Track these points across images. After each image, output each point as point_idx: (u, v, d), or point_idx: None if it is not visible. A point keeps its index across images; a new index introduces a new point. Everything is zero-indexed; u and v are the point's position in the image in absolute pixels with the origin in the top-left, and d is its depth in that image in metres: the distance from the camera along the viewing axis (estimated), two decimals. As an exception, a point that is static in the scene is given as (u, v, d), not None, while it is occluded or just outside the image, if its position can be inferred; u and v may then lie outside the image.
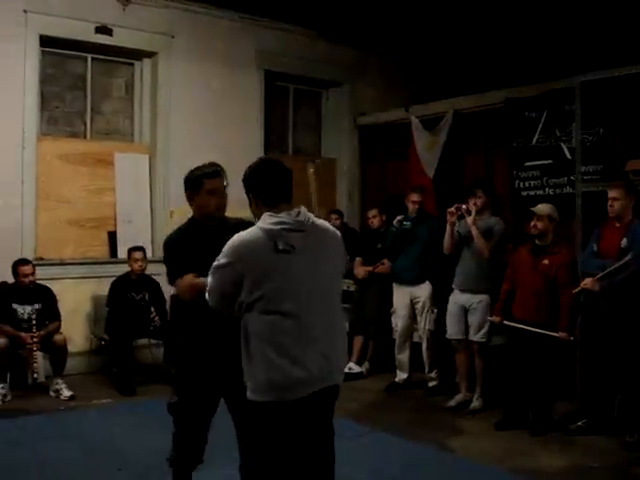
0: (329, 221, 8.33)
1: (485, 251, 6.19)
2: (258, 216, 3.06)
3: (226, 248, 2.98)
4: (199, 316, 3.48)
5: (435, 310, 6.99)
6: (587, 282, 5.45)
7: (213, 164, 3.91)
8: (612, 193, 5.49)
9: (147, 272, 7.41)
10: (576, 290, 5.54)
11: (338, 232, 3.26)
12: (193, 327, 3.70)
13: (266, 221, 2.98)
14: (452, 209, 6.29)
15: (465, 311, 6.39)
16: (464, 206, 6.24)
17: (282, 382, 2.92)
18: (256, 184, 3.10)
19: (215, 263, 3.00)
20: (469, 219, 6.21)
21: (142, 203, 8.25)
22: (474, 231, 6.18)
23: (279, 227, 2.95)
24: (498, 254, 6.26)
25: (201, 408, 3.75)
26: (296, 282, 2.96)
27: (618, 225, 5.48)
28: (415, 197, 7.00)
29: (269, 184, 3.08)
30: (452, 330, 6.47)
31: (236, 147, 8.06)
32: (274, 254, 2.92)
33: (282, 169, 3.15)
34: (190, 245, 3.66)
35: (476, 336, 6.33)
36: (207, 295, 3.07)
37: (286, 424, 2.96)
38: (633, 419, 5.43)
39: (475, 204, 6.25)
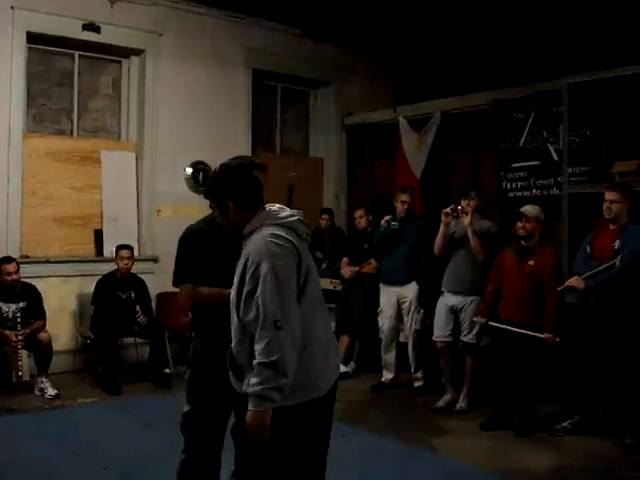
0: (320, 221, 8.49)
1: (480, 253, 6.19)
2: (236, 222, 2.98)
3: (256, 255, 2.81)
4: (222, 316, 3.18)
5: (421, 310, 7.00)
6: (572, 280, 5.47)
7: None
8: (610, 195, 5.45)
9: (133, 270, 7.39)
10: (561, 287, 5.57)
11: None
12: (215, 327, 3.43)
13: (277, 217, 2.95)
14: (448, 210, 6.24)
15: (454, 313, 6.40)
16: (460, 207, 6.23)
17: (322, 373, 2.94)
18: (233, 189, 3.00)
19: (257, 276, 2.78)
20: (466, 220, 6.20)
21: (129, 201, 8.21)
22: (470, 232, 6.17)
23: (294, 219, 2.97)
24: (490, 256, 6.24)
25: (216, 417, 3.57)
26: (313, 268, 3.00)
27: (613, 227, 5.47)
28: (404, 197, 6.98)
29: (248, 187, 3.02)
30: (439, 332, 6.47)
31: (223, 145, 8.05)
32: (301, 241, 2.94)
33: (250, 170, 3.10)
34: (211, 240, 3.48)
35: (467, 337, 6.33)
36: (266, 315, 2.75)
37: (318, 419, 2.96)
38: (634, 420, 5.43)
39: (468, 205, 6.24)
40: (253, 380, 2.74)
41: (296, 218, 2.98)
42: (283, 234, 2.86)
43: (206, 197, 3.14)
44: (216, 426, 3.61)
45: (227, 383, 3.08)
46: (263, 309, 2.75)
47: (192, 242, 3.65)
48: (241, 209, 2.98)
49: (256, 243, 2.86)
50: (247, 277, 2.84)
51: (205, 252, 3.54)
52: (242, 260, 2.90)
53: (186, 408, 3.66)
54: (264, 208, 3.01)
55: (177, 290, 3.74)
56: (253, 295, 2.81)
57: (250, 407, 2.76)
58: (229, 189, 3.00)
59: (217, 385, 3.40)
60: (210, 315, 3.54)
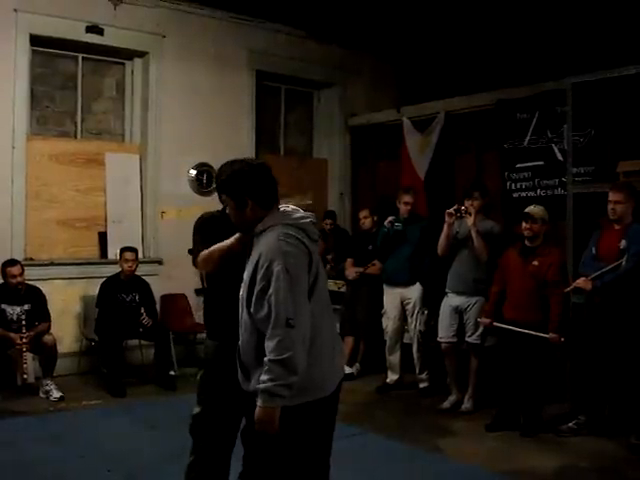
0: (324, 226, 8.48)
1: (484, 253, 6.18)
2: (251, 220, 3.00)
3: (269, 253, 2.84)
4: (236, 316, 3.14)
5: (426, 311, 6.98)
6: (579, 281, 5.46)
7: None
8: (614, 196, 5.44)
9: (137, 272, 7.38)
10: (568, 289, 5.56)
11: None
12: (229, 328, 3.34)
13: (290, 217, 2.99)
14: (451, 210, 6.24)
15: (459, 313, 6.39)
16: (463, 207, 6.22)
17: (328, 374, 2.96)
18: (254, 187, 3.01)
19: (270, 273, 2.81)
20: (469, 220, 6.19)
21: (132, 203, 8.21)
22: (474, 233, 6.16)
23: (306, 220, 3.00)
24: (494, 256, 6.23)
25: (227, 420, 3.53)
26: (322, 269, 3.03)
27: (617, 227, 5.46)
28: (407, 198, 6.97)
29: (268, 187, 3.05)
30: (444, 333, 6.45)
31: (227, 147, 8.04)
32: (312, 242, 2.97)
33: (270, 170, 3.12)
34: (220, 227, 3.46)
35: (471, 338, 6.32)
36: (278, 311, 2.78)
37: (323, 419, 2.99)
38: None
39: (472, 205, 6.23)
40: (264, 377, 2.77)
41: (309, 220, 3.02)
42: (295, 234, 2.89)
43: (223, 192, 3.14)
44: (227, 429, 3.56)
45: (239, 385, 3.08)
46: (276, 307, 2.77)
47: (204, 225, 3.69)
48: (258, 208, 3.00)
49: (268, 242, 2.88)
50: (259, 275, 2.85)
51: (214, 236, 3.52)
52: (253, 258, 2.92)
53: (196, 409, 3.62)
54: (278, 208, 3.04)
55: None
56: (265, 293, 2.82)
57: (259, 403, 2.79)
58: (251, 187, 3.01)
59: (229, 387, 3.33)
60: (224, 315, 3.48)
